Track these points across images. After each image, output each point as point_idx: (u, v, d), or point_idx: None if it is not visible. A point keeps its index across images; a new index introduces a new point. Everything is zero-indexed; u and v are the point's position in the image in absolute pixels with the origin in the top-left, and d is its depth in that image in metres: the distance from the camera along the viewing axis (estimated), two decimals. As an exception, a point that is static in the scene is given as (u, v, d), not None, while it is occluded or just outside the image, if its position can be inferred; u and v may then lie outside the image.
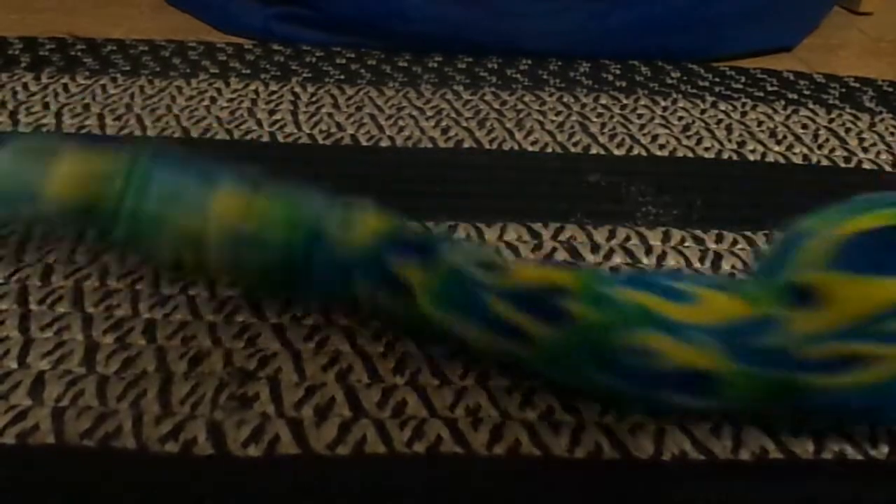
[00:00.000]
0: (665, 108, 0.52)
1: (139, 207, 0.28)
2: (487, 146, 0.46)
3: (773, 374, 0.23)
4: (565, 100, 0.52)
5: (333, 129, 0.47)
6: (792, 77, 0.58)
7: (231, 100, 0.50)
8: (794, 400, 0.24)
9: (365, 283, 0.27)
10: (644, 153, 0.46)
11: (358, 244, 0.27)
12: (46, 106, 0.48)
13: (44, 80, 0.52)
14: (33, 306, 0.30)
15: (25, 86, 0.51)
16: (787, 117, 0.51)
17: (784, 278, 0.25)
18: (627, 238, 0.37)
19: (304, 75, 0.54)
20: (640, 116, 0.50)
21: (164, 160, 0.29)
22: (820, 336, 0.23)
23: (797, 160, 0.46)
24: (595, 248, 0.36)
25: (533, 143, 0.46)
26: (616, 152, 0.46)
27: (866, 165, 0.46)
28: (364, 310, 0.29)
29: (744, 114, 0.51)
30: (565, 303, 0.25)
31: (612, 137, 0.47)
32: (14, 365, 0.27)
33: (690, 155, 0.46)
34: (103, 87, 0.51)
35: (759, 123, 0.50)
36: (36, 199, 0.29)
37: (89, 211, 0.29)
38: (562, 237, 0.37)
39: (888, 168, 0.45)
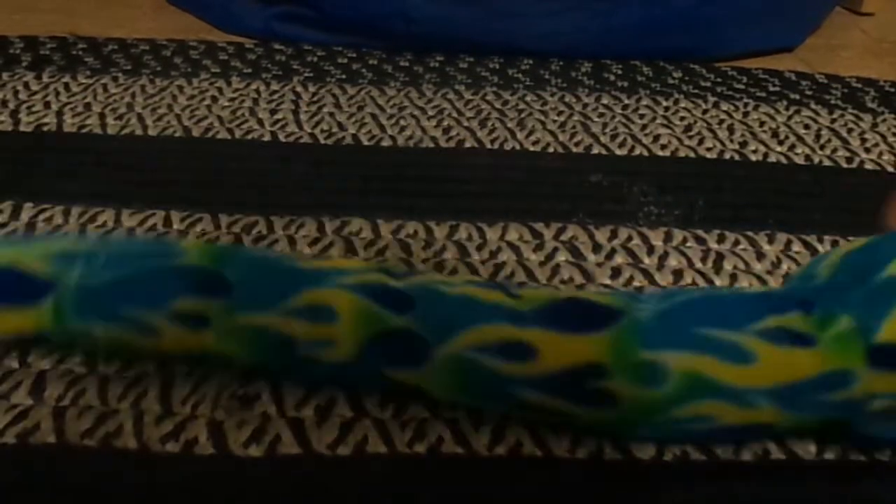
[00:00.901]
0: (667, 109, 0.51)
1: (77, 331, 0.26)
2: (489, 146, 0.45)
3: (830, 417, 0.23)
4: (567, 100, 0.52)
5: (335, 129, 0.47)
6: (794, 77, 0.58)
7: (232, 99, 0.50)
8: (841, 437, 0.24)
9: (363, 384, 0.26)
10: (646, 153, 0.46)
11: (340, 359, 0.25)
12: (48, 105, 0.48)
13: (45, 79, 0.52)
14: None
15: (27, 85, 0.51)
16: (789, 118, 0.51)
17: (872, 334, 0.23)
18: (629, 238, 0.37)
19: (306, 75, 0.54)
20: (641, 116, 0.50)
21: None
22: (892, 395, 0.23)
23: (799, 160, 0.46)
24: (597, 248, 0.36)
25: (535, 143, 0.46)
26: (618, 152, 0.45)
27: (868, 166, 0.45)
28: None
29: (746, 114, 0.51)
30: (604, 383, 0.23)
31: (613, 137, 0.47)
32: (15, 364, 0.27)
33: (692, 155, 0.46)
34: (104, 86, 0.51)
35: (761, 124, 0.50)
36: None
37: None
38: (563, 237, 0.37)
39: (890, 168, 0.45)
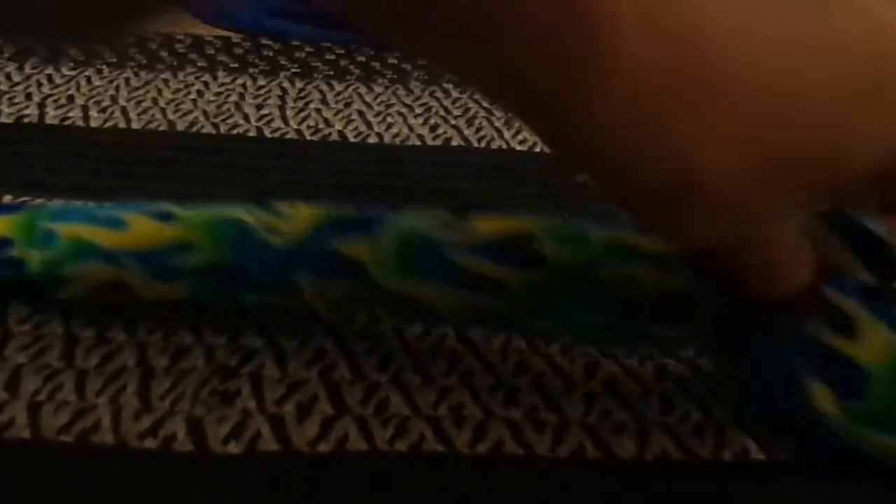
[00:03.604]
0: (654, 110, 0.52)
1: (49, 261, 0.28)
2: (476, 144, 0.45)
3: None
4: (554, 99, 0.52)
5: (321, 126, 0.47)
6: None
7: (218, 94, 0.50)
8: None
9: (307, 271, 0.26)
10: (632, 154, 0.46)
11: (293, 234, 0.26)
12: (29, 97, 0.47)
13: (27, 70, 0.51)
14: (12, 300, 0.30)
15: (9, 76, 0.50)
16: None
17: None
18: (614, 238, 0.37)
19: (293, 70, 0.54)
20: (628, 117, 0.50)
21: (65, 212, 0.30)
22: None
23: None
24: (581, 247, 0.36)
25: (521, 142, 0.46)
26: (604, 152, 0.46)
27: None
28: (309, 301, 0.27)
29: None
30: (536, 246, 0.24)
31: (600, 137, 0.47)
32: (-9, 358, 0.27)
33: (678, 156, 0.46)
34: (88, 78, 0.50)
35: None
36: None
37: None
38: (548, 236, 0.37)
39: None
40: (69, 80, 0.50)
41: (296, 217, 0.27)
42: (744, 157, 0.15)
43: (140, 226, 0.27)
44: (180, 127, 0.45)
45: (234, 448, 0.24)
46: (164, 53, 0.55)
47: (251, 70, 0.53)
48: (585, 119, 0.15)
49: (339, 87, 0.52)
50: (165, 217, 0.27)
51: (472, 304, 0.26)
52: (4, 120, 0.44)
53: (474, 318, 0.27)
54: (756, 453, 0.25)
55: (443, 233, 0.26)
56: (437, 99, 0.50)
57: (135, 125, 0.45)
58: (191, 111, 0.47)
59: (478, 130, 0.47)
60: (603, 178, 0.17)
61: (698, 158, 0.15)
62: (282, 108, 0.48)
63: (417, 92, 0.51)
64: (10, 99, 0.47)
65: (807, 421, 0.22)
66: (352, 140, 0.45)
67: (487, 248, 0.25)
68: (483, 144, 0.45)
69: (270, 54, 0.56)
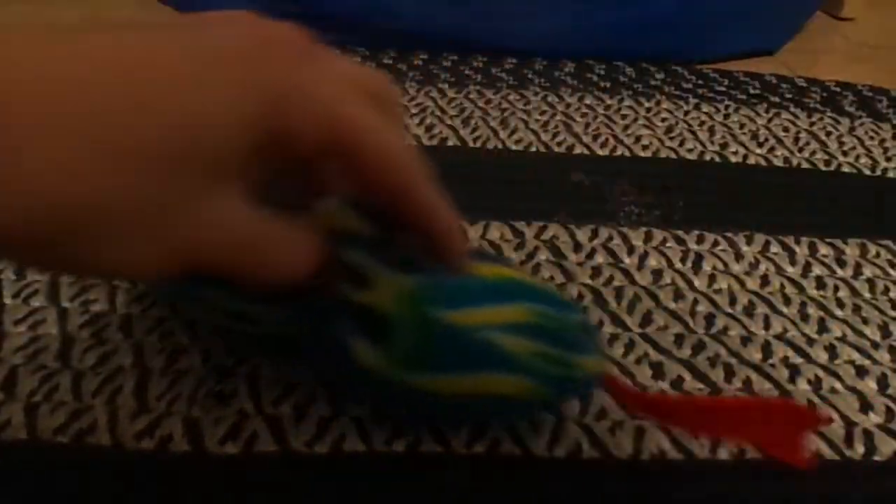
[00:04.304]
0: (649, 109, 0.52)
1: None
2: (471, 144, 0.45)
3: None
4: (550, 99, 0.52)
5: (317, 126, 0.46)
6: (774, 80, 0.59)
7: (214, 94, 0.49)
8: None
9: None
10: (627, 153, 0.46)
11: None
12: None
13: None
14: (8, 300, 0.30)
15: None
16: (769, 120, 0.52)
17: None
18: (610, 238, 0.37)
19: (288, 71, 0.54)
20: (623, 117, 0.50)
21: None
22: None
23: (778, 163, 0.46)
24: (577, 247, 0.36)
25: (517, 142, 0.46)
26: (600, 152, 0.46)
27: (846, 169, 0.46)
28: None
29: (726, 116, 0.52)
30: None
31: (595, 137, 0.47)
32: (-13, 359, 0.27)
33: (673, 156, 0.46)
34: (83, 79, 0.50)
35: (742, 126, 0.50)
36: None
37: None
38: (544, 236, 0.37)
39: (867, 172, 0.46)
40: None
41: None
42: (98, 168, 0.15)
43: None
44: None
45: (231, 448, 0.24)
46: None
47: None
48: None
49: (334, 88, 0.52)
50: None
51: None
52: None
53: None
54: (752, 452, 0.26)
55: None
56: (433, 99, 0.51)
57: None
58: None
59: (473, 130, 0.47)
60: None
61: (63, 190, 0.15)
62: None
63: (413, 92, 0.51)
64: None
65: (360, 377, 0.22)
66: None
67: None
68: (478, 144, 0.45)
69: (266, 54, 0.56)
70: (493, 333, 0.21)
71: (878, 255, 0.38)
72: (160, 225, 0.17)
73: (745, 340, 0.31)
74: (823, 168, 0.46)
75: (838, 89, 0.58)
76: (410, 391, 0.22)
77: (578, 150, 0.46)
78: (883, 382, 0.29)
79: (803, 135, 0.50)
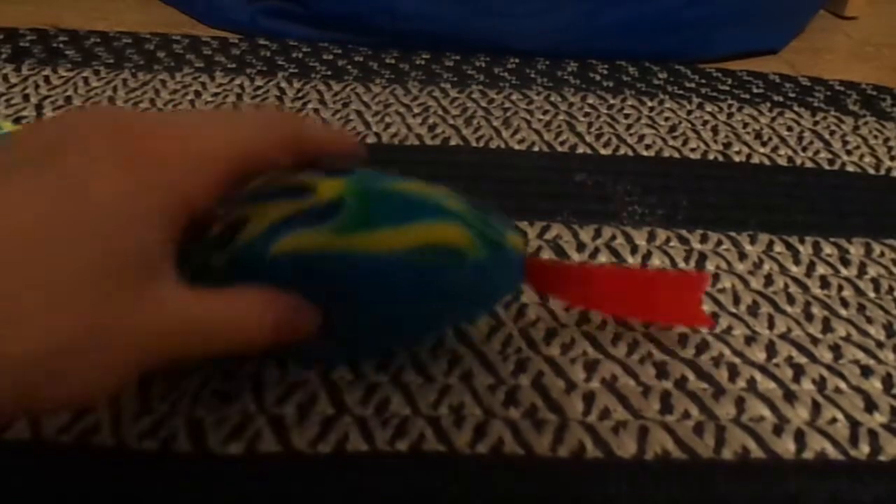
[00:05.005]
0: (652, 109, 0.52)
1: None
2: (474, 144, 0.45)
3: None
4: (553, 99, 0.52)
5: (319, 125, 0.46)
6: (778, 79, 0.58)
7: (216, 94, 0.49)
8: None
9: None
10: (630, 153, 0.46)
11: None
12: (27, 98, 0.47)
13: (24, 71, 0.51)
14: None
15: (5, 77, 0.50)
16: (773, 119, 0.51)
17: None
18: (613, 237, 0.37)
19: (291, 70, 0.54)
20: (626, 116, 0.50)
21: None
22: None
23: (782, 162, 0.46)
24: (581, 246, 0.36)
25: (520, 142, 0.46)
26: (603, 152, 0.46)
27: (850, 168, 0.46)
28: None
29: (730, 115, 0.52)
30: None
31: (598, 137, 0.47)
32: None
33: (676, 155, 0.46)
34: (85, 79, 0.50)
35: (745, 125, 0.50)
36: None
37: None
38: (547, 236, 0.37)
39: (871, 171, 0.46)
40: (66, 82, 0.49)
41: None
42: None
43: None
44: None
45: (234, 448, 0.24)
46: (161, 54, 0.55)
47: (249, 70, 0.53)
48: None
49: (336, 87, 0.51)
50: None
51: None
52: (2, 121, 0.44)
53: None
54: (756, 452, 0.25)
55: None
56: (436, 98, 0.50)
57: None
58: (189, 112, 0.46)
59: (476, 130, 0.47)
60: None
61: None
62: (280, 109, 0.48)
63: (415, 91, 0.51)
64: (7, 100, 0.47)
65: (304, 262, 0.22)
66: (350, 140, 0.45)
67: None
68: (481, 144, 0.45)
69: (268, 54, 0.56)
70: (428, 193, 0.24)
71: (882, 254, 0.37)
72: (111, 342, 0.17)
73: (749, 340, 0.31)
74: (827, 167, 0.46)
75: (842, 88, 0.58)
76: (349, 259, 0.22)
77: (581, 149, 0.46)
78: (888, 382, 0.29)
79: (807, 134, 0.50)
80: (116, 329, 0.17)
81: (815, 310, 0.33)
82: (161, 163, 0.18)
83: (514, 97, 0.52)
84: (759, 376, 0.29)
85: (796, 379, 0.29)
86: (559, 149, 0.46)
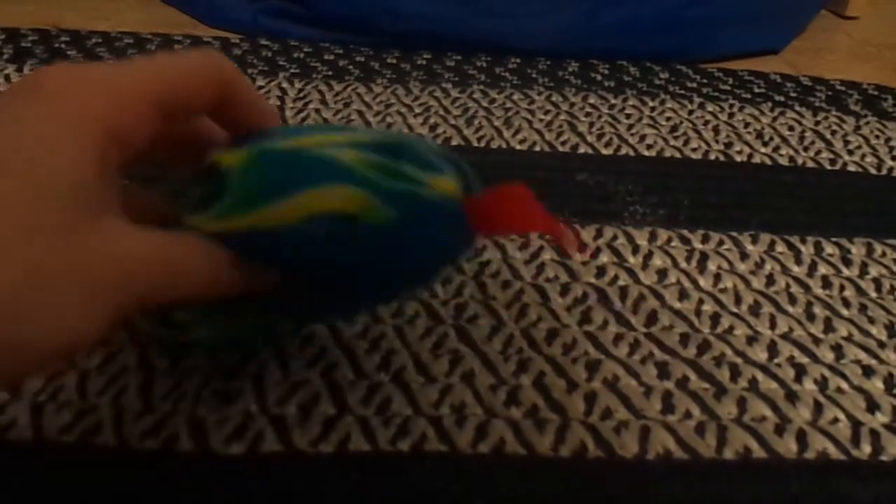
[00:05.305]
0: (653, 109, 0.52)
1: None
2: (475, 144, 0.45)
3: None
4: (554, 99, 0.52)
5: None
6: (779, 79, 0.58)
7: (217, 94, 0.49)
8: None
9: None
10: (632, 153, 0.46)
11: None
12: (29, 98, 0.47)
13: (26, 71, 0.51)
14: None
15: (7, 77, 0.50)
16: (774, 119, 0.51)
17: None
18: (614, 237, 0.37)
19: (292, 71, 0.54)
20: (628, 116, 0.50)
21: None
22: None
23: (783, 161, 0.46)
24: (582, 246, 0.36)
25: (521, 142, 0.46)
26: (604, 152, 0.46)
27: (851, 168, 0.46)
28: None
29: (731, 115, 0.52)
30: None
31: (600, 137, 0.47)
32: (-8, 359, 0.27)
33: (678, 155, 0.46)
34: (88, 79, 0.50)
35: (746, 125, 0.50)
36: None
37: None
38: (549, 235, 0.37)
39: (873, 171, 0.46)
40: (68, 81, 0.49)
41: None
42: None
43: None
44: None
45: (236, 448, 0.24)
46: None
47: (250, 70, 0.53)
48: None
49: (338, 87, 0.51)
50: None
51: None
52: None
53: None
54: (758, 452, 0.25)
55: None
56: (437, 98, 0.50)
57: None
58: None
59: (477, 130, 0.47)
60: None
61: None
62: (281, 109, 0.48)
63: (416, 91, 0.51)
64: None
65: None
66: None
67: None
68: (482, 144, 0.45)
69: (269, 54, 0.56)
70: (325, 150, 0.20)
71: (883, 254, 0.37)
72: (55, 282, 0.17)
73: (751, 340, 0.31)
74: (829, 167, 0.46)
75: (843, 88, 0.58)
76: (238, 240, 0.20)
77: (583, 149, 0.46)
78: (889, 382, 0.29)
79: (808, 134, 0.50)
80: (58, 269, 0.17)
81: (817, 310, 0.33)
82: (83, 104, 0.18)
83: (515, 97, 0.52)
84: (760, 376, 0.29)
85: (798, 379, 0.29)
86: (560, 149, 0.46)
